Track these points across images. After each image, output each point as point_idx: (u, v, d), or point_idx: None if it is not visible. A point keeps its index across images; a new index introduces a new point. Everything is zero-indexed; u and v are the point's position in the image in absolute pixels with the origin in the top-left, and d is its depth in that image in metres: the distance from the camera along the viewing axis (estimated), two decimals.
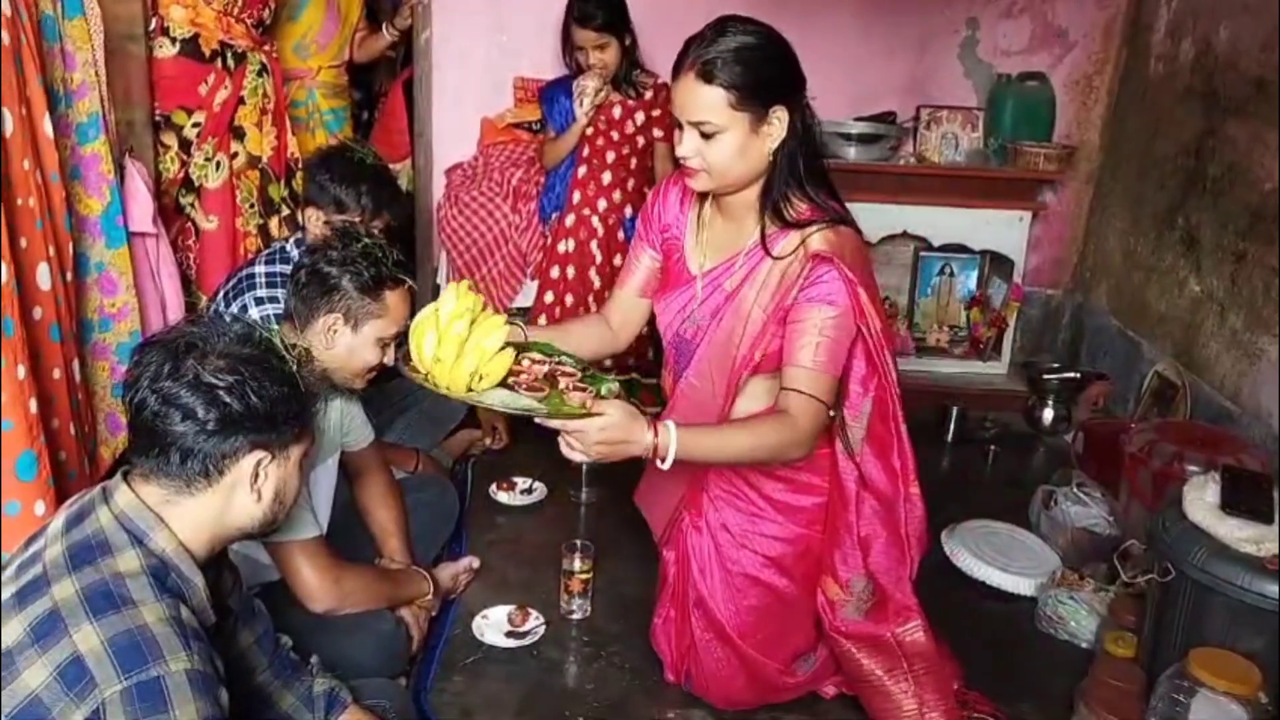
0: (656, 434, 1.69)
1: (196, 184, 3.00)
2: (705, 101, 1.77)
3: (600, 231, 3.32)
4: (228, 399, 1.32)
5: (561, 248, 3.35)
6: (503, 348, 1.70)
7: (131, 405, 1.34)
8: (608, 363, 3.23)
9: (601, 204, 3.33)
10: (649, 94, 3.30)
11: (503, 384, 1.71)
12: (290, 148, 3.17)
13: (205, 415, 1.31)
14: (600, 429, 1.65)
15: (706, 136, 1.79)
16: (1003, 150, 3.87)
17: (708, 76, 1.76)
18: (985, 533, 2.80)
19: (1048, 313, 4.23)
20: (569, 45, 3.27)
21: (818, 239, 1.83)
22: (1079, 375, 3.70)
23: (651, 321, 2.14)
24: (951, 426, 3.58)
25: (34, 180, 1.92)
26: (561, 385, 1.73)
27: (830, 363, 1.82)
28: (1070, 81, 4.00)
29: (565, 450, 1.69)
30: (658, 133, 3.31)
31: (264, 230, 3.11)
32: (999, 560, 2.68)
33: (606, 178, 3.32)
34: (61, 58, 2.18)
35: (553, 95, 3.38)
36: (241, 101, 3.00)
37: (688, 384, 2.00)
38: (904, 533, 2.02)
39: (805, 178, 1.86)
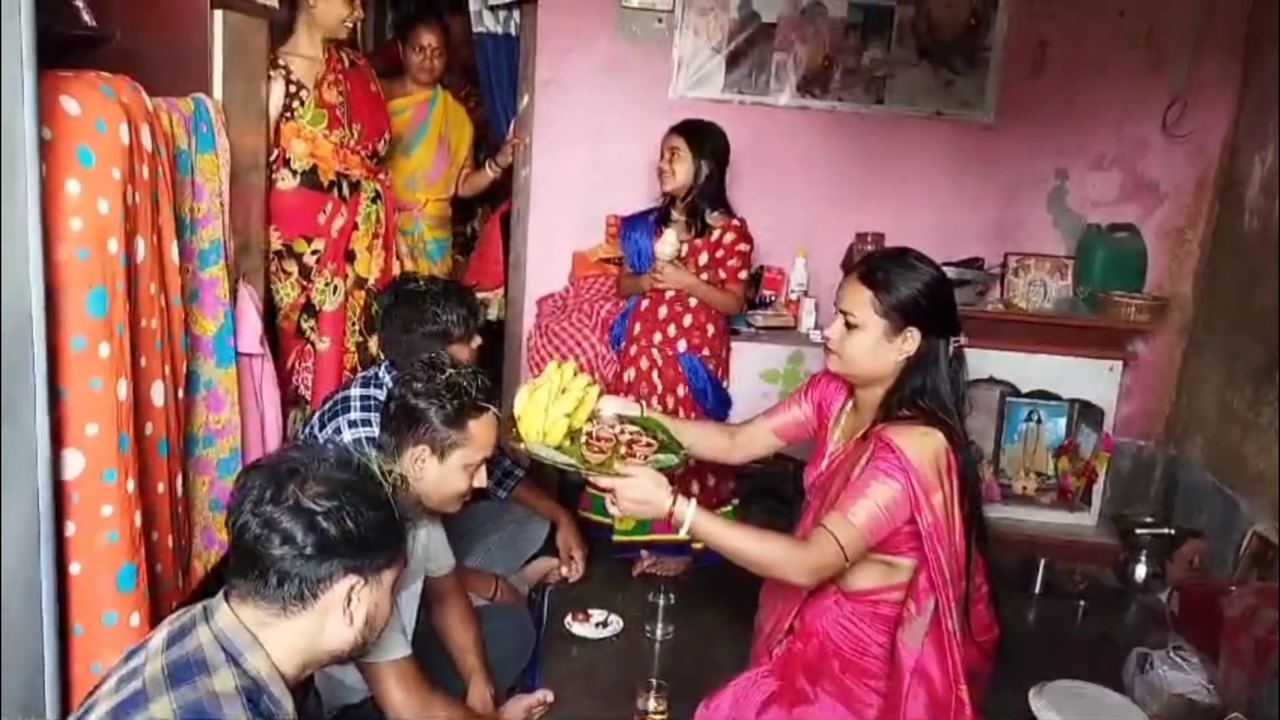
0: (675, 505, 1.96)
1: (317, 308, 3.13)
2: (856, 297, 2.12)
3: (660, 362, 3.34)
4: (325, 524, 1.36)
5: (626, 376, 3.40)
6: (592, 418, 2.14)
7: (234, 528, 1.38)
8: None
9: (657, 337, 3.35)
10: (715, 234, 3.30)
11: (576, 439, 2.08)
12: (395, 271, 3.29)
13: (303, 540, 1.35)
14: (629, 487, 1.95)
15: (850, 328, 2.12)
16: (1093, 299, 3.85)
17: (865, 279, 2.12)
18: (1076, 694, 2.68)
19: (1139, 464, 4.13)
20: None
21: (892, 429, 2.04)
22: (1173, 531, 3.58)
23: None
24: (1039, 579, 3.48)
25: (158, 303, 2.03)
26: (637, 453, 2.06)
27: (868, 525, 1.98)
28: (1161, 233, 4.00)
29: (609, 507, 2.01)
30: (721, 274, 3.30)
31: (362, 348, 3.22)
32: None
33: (662, 312, 3.34)
34: (191, 188, 2.32)
35: (628, 231, 3.47)
36: (355, 227, 3.15)
37: (802, 528, 2.23)
38: None
39: (923, 395, 2.10)
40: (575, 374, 2.16)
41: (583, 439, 2.07)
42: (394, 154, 3.49)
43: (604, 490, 2.00)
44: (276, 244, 3.06)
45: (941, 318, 2.12)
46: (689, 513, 1.96)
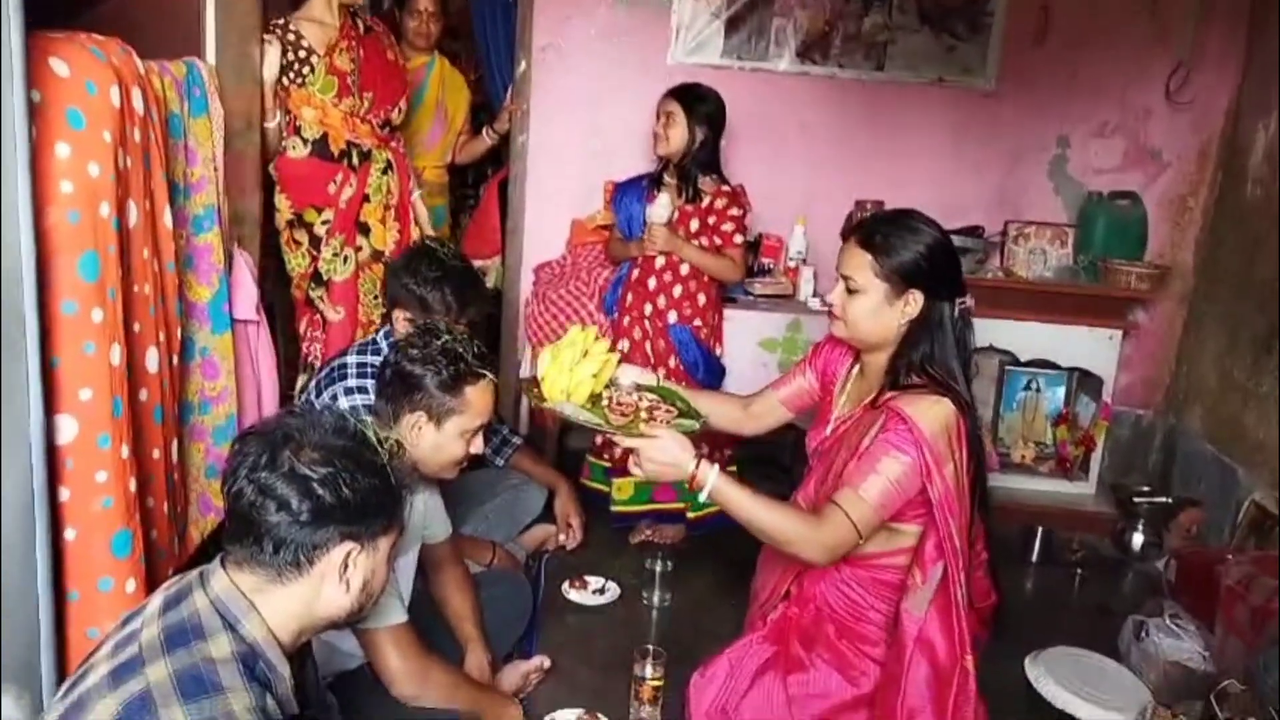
0: (699, 468, 1.96)
1: (325, 277, 3.11)
2: (855, 261, 2.09)
3: (650, 332, 3.33)
4: (321, 490, 1.35)
5: (620, 346, 3.35)
6: (610, 385, 2.16)
7: (229, 494, 1.37)
8: None
9: (648, 308, 3.33)
10: (707, 200, 3.26)
11: (598, 403, 2.09)
12: (413, 239, 3.26)
13: (299, 506, 1.34)
14: (654, 448, 1.96)
15: (851, 292, 2.10)
16: (1093, 267, 3.84)
17: (864, 243, 2.09)
18: (1072, 661, 2.69)
19: (1138, 433, 4.13)
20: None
21: (904, 400, 2.03)
22: (1171, 500, 3.59)
23: None
24: (1037, 547, 3.49)
25: (151, 269, 2.01)
26: (658, 419, 2.06)
27: (880, 501, 1.97)
28: (1163, 201, 3.98)
29: (632, 468, 2.00)
30: (717, 240, 3.27)
31: (386, 319, 3.20)
32: (1087, 691, 2.56)
33: (652, 283, 3.32)
34: (184, 153, 2.29)
35: (620, 197, 3.44)
36: (366, 199, 3.13)
37: (804, 493, 2.25)
38: (950, 713, 2.02)
39: (930, 361, 2.07)
40: (596, 339, 2.16)
41: (604, 404, 2.08)
42: None
43: (625, 455, 2.01)
44: (288, 213, 3.04)
45: (945, 280, 2.09)
46: (711, 476, 1.96)
